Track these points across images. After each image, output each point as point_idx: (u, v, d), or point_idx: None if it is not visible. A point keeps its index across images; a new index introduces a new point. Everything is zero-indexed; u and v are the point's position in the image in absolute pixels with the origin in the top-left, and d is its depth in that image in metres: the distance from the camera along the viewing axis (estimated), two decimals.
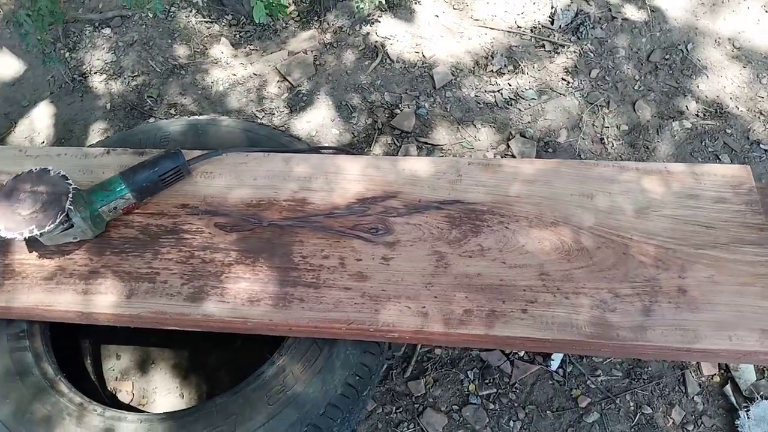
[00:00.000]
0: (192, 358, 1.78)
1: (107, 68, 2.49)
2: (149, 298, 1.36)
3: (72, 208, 1.36)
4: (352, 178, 1.52)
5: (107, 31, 2.62)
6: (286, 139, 1.74)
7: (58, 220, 1.32)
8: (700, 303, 1.27)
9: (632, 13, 2.52)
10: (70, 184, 1.38)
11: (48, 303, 1.36)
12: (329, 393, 1.33)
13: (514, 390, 1.72)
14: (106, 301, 1.35)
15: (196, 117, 1.83)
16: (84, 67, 2.51)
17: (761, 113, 2.26)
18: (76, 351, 1.69)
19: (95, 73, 2.48)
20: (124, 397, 1.69)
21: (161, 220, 1.49)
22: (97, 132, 2.28)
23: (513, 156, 2.13)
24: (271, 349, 1.41)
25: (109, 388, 1.70)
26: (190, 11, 2.66)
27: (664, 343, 1.23)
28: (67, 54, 2.54)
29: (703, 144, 2.18)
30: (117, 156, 1.61)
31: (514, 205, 1.44)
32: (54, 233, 1.38)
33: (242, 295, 1.35)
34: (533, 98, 2.31)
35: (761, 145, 2.17)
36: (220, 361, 1.76)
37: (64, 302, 1.36)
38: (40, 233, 1.33)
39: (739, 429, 1.63)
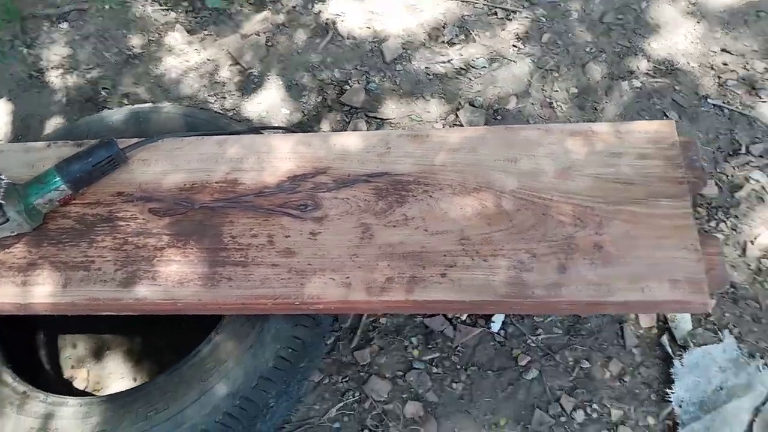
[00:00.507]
0: (144, 343, 1.83)
1: (64, 63, 2.51)
2: (83, 286, 1.40)
3: (6, 202, 1.39)
4: (283, 157, 1.55)
5: (64, 25, 2.64)
6: (225, 122, 1.76)
7: None
8: (614, 258, 1.29)
9: None
10: (3, 179, 1.41)
11: None
12: (260, 367, 1.37)
13: (456, 353, 1.75)
14: (42, 291, 1.40)
15: (139, 105, 1.86)
16: (41, 62, 2.53)
17: (712, 68, 2.25)
18: (30, 344, 1.75)
19: (52, 68, 2.51)
20: (79, 384, 1.74)
21: (97, 209, 1.53)
22: (52, 126, 2.31)
23: (461, 125, 2.14)
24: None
25: (65, 377, 1.76)
26: (146, 0, 2.67)
27: (577, 297, 1.26)
28: (24, 51, 2.57)
29: (652, 102, 2.17)
30: (57, 149, 1.64)
31: (439, 174, 1.46)
32: None
33: (173, 278, 1.38)
34: (484, 66, 2.31)
35: (709, 100, 2.16)
36: (171, 344, 1.80)
37: (2, 295, 1.40)
38: None
39: (673, 376, 1.67)
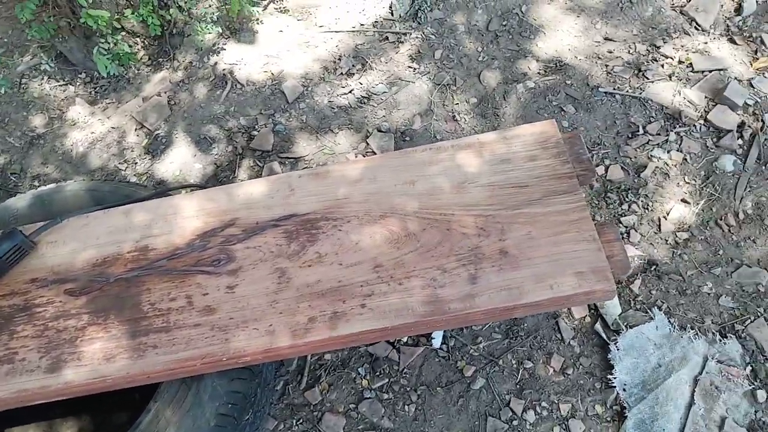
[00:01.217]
0: (96, 421, 1.79)
1: None
2: (10, 379, 1.37)
3: None
4: (189, 215, 1.56)
5: None
6: (131, 189, 1.76)
7: None
8: (520, 260, 1.35)
9: None
10: None
11: None
12: (202, 428, 1.37)
13: (404, 375, 1.79)
14: None
15: (42, 188, 1.84)
16: None
17: (598, 57, 2.38)
18: None
19: None
20: None
21: (13, 300, 1.50)
22: None
23: (373, 152, 2.20)
24: None
25: None
26: (42, 78, 2.63)
27: (492, 305, 1.31)
28: None
29: (547, 99, 2.28)
30: None
31: (344, 207, 1.50)
32: None
33: (98, 355, 1.37)
34: (384, 91, 2.38)
35: (600, 89, 2.29)
36: (126, 418, 1.78)
37: None
38: None
39: (612, 362, 1.73)
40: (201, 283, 1.44)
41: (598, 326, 1.80)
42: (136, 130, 2.40)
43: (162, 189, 2.15)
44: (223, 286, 1.43)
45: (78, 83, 2.60)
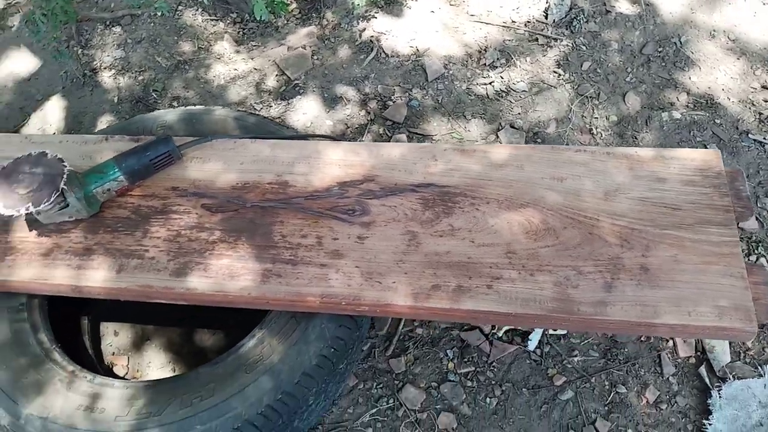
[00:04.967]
0: (185, 337, 1.86)
1: (116, 64, 2.60)
2: (137, 273, 1.44)
3: (66, 188, 1.45)
4: (332, 163, 1.59)
5: (117, 29, 2.73)
6: (274, 127, 1.81)
7: (53, 199, 1.41)
8: (661, 280, 1.31)
9: (626, 7, 2.55)
10: (65, 166, 1.47)
11: (44, 277, 1.45)
12: (304, 363, 1.40)
13: (491, 368, 1.77)
14: (97, 275, 1.44)
15: (192, 107, 1.92)
16: (95, 63, 2.62)
17: (752, 104, 2.28)
18: (75, 328, 1.79)
19: (105, 68, 2.59)
20: (119, 370, 1.78)
21: (152, 202, 1.58)
22: (104, 123, 2.39)
23: None
24: None
25: (105, 362, 1.79)
26: (197, 10, 2.75)
27: (624, 317, 1.27)
28: (79, 51, 2.66)
29: (692, 134, 2.20)
30: (114, 142, 1.70)
31: (486, 188, 1.50)
32: (50, 212, 1.48)
33: (224, 271, 1.42)
34: (524, 90, 2.35)
35: (750, 135, 2.18)
36: (213, 340, 1.84)
37: (58, 276, 1.45)
38: (37, 211, 1.43)
39: (711, 408, 1.66)
40: (333, 228, 1.47)
41: (702, 369, 1.73)
42: (276, 75, 2.47)
43: (307, 134, 2.21)
44: (354, 235, 1.45)
45: (228, 21, 2.70)
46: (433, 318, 1.37)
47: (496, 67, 2.42)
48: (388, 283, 1.36)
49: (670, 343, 1.78)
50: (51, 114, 2.49)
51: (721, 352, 1.73)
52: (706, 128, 2.22)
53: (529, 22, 2.55)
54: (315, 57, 2.51)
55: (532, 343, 1.77)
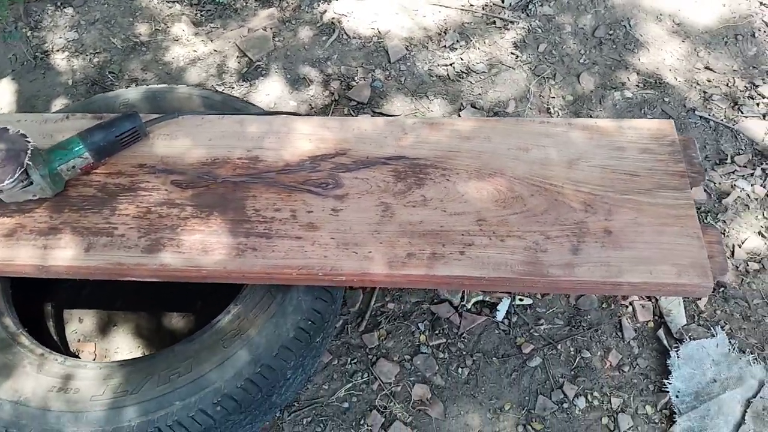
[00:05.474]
0: (153, 321, 1.84)
1: (69, 46, 2.52)
2: (107, 251, 1.42)
3: (31, 164, 1.41)
4: (302, 137, 1.60)
5: (69, 10, 2.65)
6: (241, 104, 1.80)
7: (16, 176, 1.37)
8: (623, 242, 1.38)
9: None
10: (29, 142, 1.42)
11: (8, 258, 1.41)
12: (282, 336, 1.40)
13: (462, 340, 1.81)
14: (65, 254, 1.41)
15: (155, 86, 1.89)
16: (46, 45, 2.53)
17: (697, 83, 2.39)
18: (38, 315, 1.74)
19: (57, 50, 2.51)
20: (86, 357, 1.74)
21: (119, 179, 1.55)
22: (59, 106, 2.31)
23: None
24: None
25: (71, 349, 1.75)
26: None
27: (590, 278, 1.33)
28: (28, 33, 2.57)
29: (642, 112, 2.30)
30: (76, 120, 1.66)
31: (456, 159, 1.54)
32: (13, 190, 1.43)
33: (197, 246, 1.41)
34: (484, 71, 2.41)
35: (696, 112, 2.30)
36: (182, 323, 1.82)
37: (23, 257, 1.41)
38: (0, 189, 1.38)
39: (669, 368, 1.76)
40: (307, 201, 1.48)
41: (660, 332, 1.82)
42: (237, 57, 2.45)
43: (274, 111, 2.19)
44: (329, 207, 1.46)
45: (185, 3, 2.66)
46: (410, 285, 1.40)
47: (456, 48, 2.47)
48: (365, 253, 1.38)
49: (630, 309, 1.87)
50: (1, 98, 2.40)
51: (678, 315, 1.83)
52: (655, 106, 2.32)
53: (486, 5, 2.60)
54: (276, 39, 2.50)
55: (500, 314, 1.82)
